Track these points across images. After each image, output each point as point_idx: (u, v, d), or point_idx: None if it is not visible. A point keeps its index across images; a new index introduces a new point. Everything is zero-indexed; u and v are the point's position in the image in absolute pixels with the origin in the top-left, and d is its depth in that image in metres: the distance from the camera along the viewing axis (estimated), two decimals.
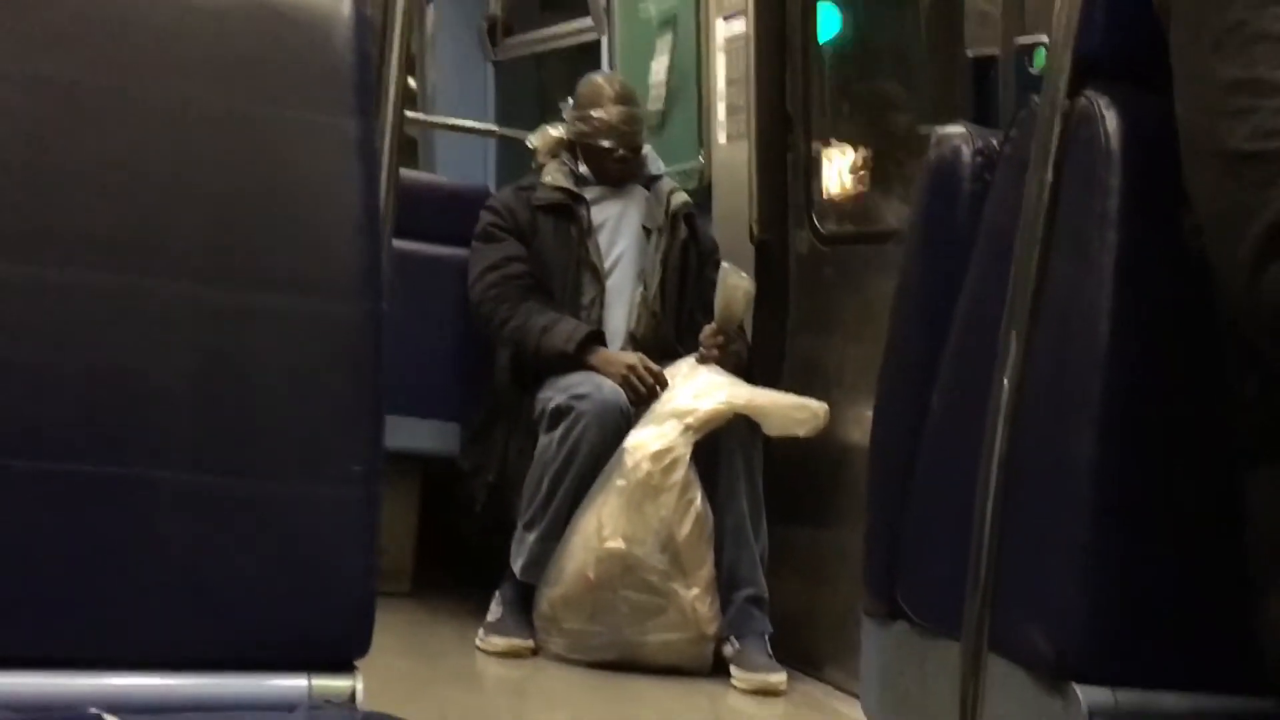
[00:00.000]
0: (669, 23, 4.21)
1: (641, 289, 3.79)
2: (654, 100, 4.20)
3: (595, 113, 3.80)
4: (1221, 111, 1.09)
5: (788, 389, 3.57)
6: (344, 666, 1.13)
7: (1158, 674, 1.27)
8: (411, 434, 3.78)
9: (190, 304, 1.11)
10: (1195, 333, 1.25)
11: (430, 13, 5.57)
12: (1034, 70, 2.56)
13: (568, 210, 3.79)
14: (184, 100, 1.13)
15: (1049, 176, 1.32)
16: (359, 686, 1.11)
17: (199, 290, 1.11)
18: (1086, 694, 1.25)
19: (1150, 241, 1.28)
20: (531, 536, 3.50)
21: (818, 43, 3.78)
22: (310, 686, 1.11)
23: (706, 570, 3.41)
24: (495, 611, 3.57)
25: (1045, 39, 2.38)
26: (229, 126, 1.14)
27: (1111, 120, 1.30)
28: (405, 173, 3.99)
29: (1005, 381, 1.32)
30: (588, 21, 4.78)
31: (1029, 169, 1.34)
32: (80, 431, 1.09)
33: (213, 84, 1.14)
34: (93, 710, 1.02)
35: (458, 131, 5.39)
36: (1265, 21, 1.08)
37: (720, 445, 3.44)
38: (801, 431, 3.42)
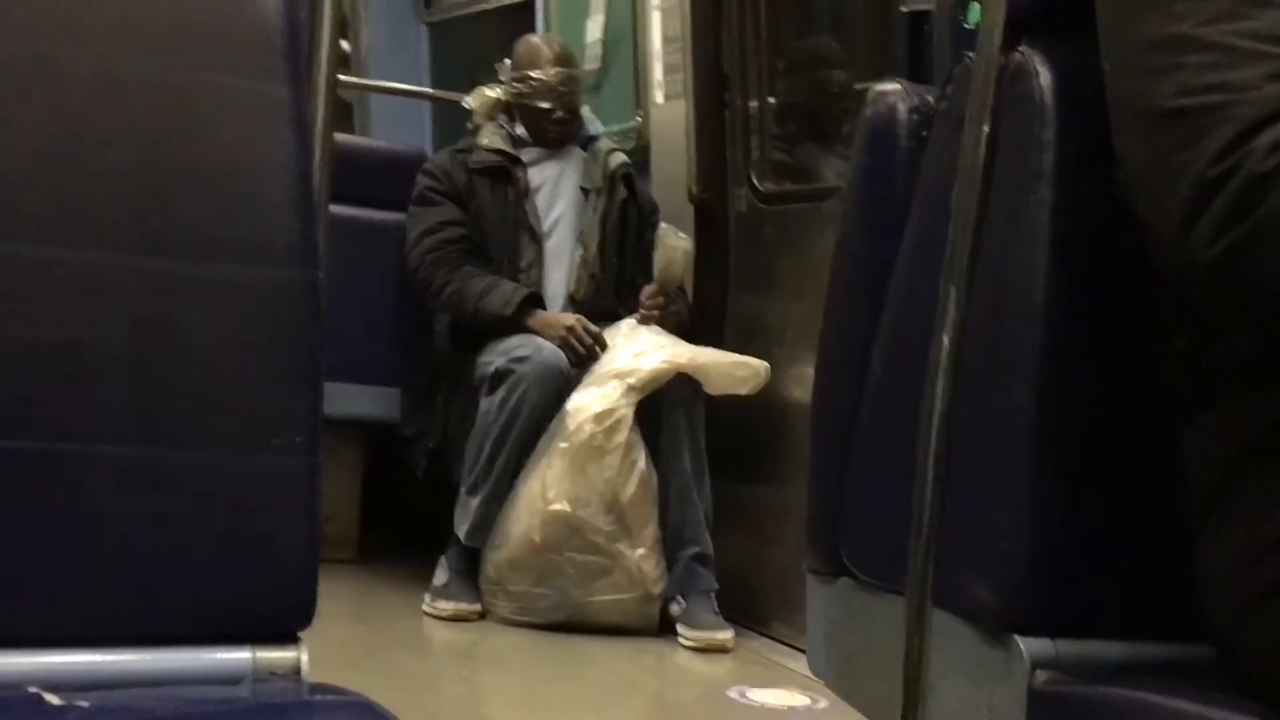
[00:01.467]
0: None
1: (581, 251, 3.78)
2: (590, 60, 4.18)
3: (534, 74, 3.78)
4: (1146, 69, 1.10)
5: (729, 348, 3.58)
6: (289, 638, 1.12)
7: (1098, 624, 1.29)
8: (353, 401, 3.77)
9: (122, 275, 1.09)
10: (1131, 286, 1.26)
11: None
12: (968, 25, 2.57)
13: (505, 173, 3.77)
14: (108, 68, 1.11)
15: (985, 132, 1.32)
16: (304, 657, 1.11)
17: (130, 260, 1.09)
18: (1029, 645, 1.26)
19: (1085, 196, 1.28)
20: (475, 501, 3.49)
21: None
22: (255, 659, 1.10)
23: (651, 530, 3.42)
24: (441, 576, 3.57)
25: None
26: (155, 94, 1.12)
27: (1046, 76, 1.30)
28: (340, 137, 3.95)
29: (945, 337, 1.33)
30: None
31: (965, 125, 1.34)
32: (11, 407, 1.07)
33: (137, 51, 1.12)
34: (32, 690, 1.00)
35: (392, 95, 5.34)
36: None
37: (663, 405, 3.45)
38: (743, 389, 3.43)
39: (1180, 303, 1.20)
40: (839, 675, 1.62)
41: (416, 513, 3.99)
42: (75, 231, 1.09)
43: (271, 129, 1.14)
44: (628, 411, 3.38)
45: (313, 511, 1.14)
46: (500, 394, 3.46)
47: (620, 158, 3.85)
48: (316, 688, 1.07)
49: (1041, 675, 1.25)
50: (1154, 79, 1.09)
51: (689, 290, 3.75)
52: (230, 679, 1.09)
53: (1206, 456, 1.20)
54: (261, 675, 1.09)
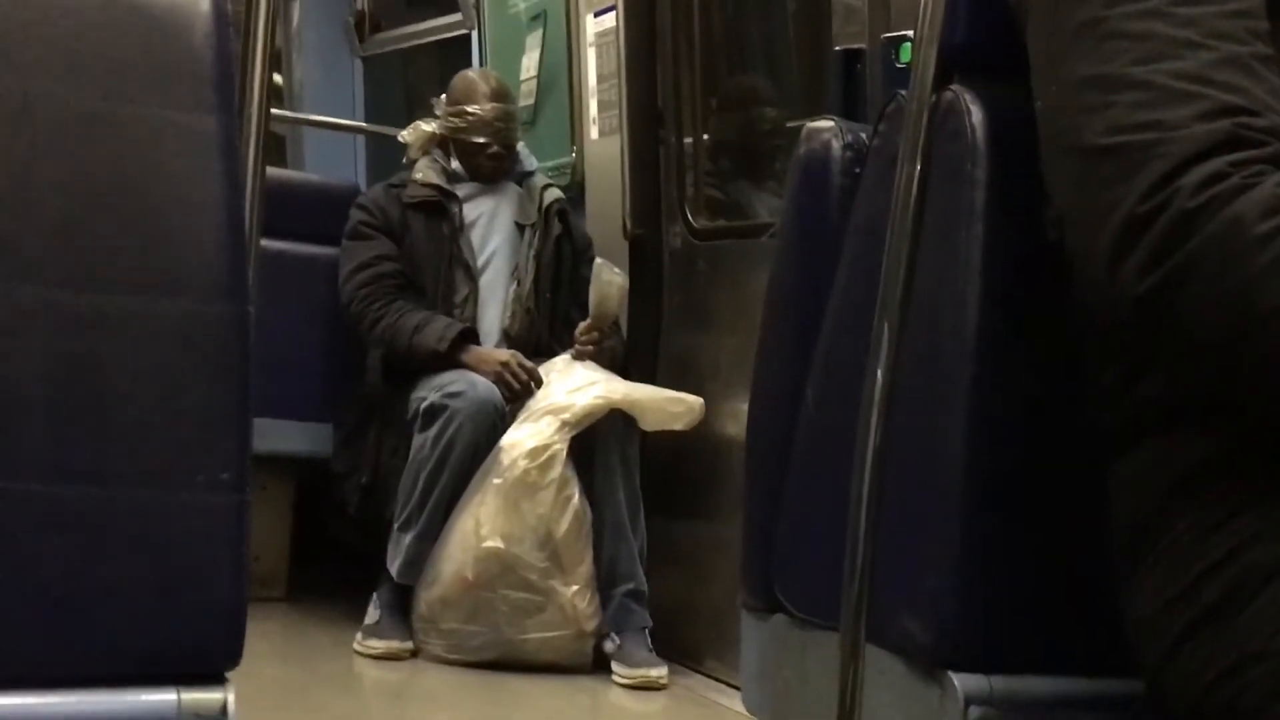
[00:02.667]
0: (539, 18, 4.20)
1: (515, 286, 3.77)
2: (525, 96, 4.18)
3: (470, 108, 3.77)
4: (1077, 107, 1.11)
5: (663, 384, 3.58)
6: (215, 679, 1.10)
7: (1030, 659, 1.30)
8: (284, 436, 3.73)
9: (43, 308, 1.07)
10: (1062, 322, 1.27)
11: (295, 8, 5.48)
12: (900, 65, 2.59)
13: (439, 207, 3.76)
14: (32, 97, 1.09)
15: (917, 170, 1.33)
16: (230, 699, 1.08)
17: (52, 294, 1.07)
18: (962, 681, 1.27)
19: (1016, 233, 1.29)
20: (408, 537, 3.46)
21: (689, 37, 3.79)
22: (180, 701, 1.07)
23: (585, 567, 3.40)
24: (373, 614, 3.53)
25: (911, 34, 2.41)
26: (81, 124, 1.10)
27: (977, 114, 1.31)
28: (273, 171, 3.93)
29: (878, 373, 1.33)
30: (457, 17, 4.75)
31: (898, 163, 1.35)
32: None
33: (63, 81, 1.10)
34: None
35: (326, 128, 5.31)
36: (1119, 19, 1.10)
37: (597, 441, 3.44)
38: (678, 425, 3.43)
39: (1108, 339, 1.21)
40: (773, 712, 1.61)
41: (348, 550, 3.95)
42: None
43: (201, 162, 1.12)
44: (562, 447, 3.36)
45: (240, 550, 1.12)
46: (434, 430, 3.44)
47: (555, 193, 3.85)
48: None
49: (975, 711, 1.25)
50: (1085, 116, 1.10)
51: (622, 326, 3.75)
52: None
53: (1132, 493, 1.21)
54: (187, 717, 1.07)
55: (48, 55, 1.11)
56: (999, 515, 1.31)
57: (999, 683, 1.27)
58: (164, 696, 1.08)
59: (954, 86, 1.34)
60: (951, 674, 1.27)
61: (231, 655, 1.11)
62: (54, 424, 1.07)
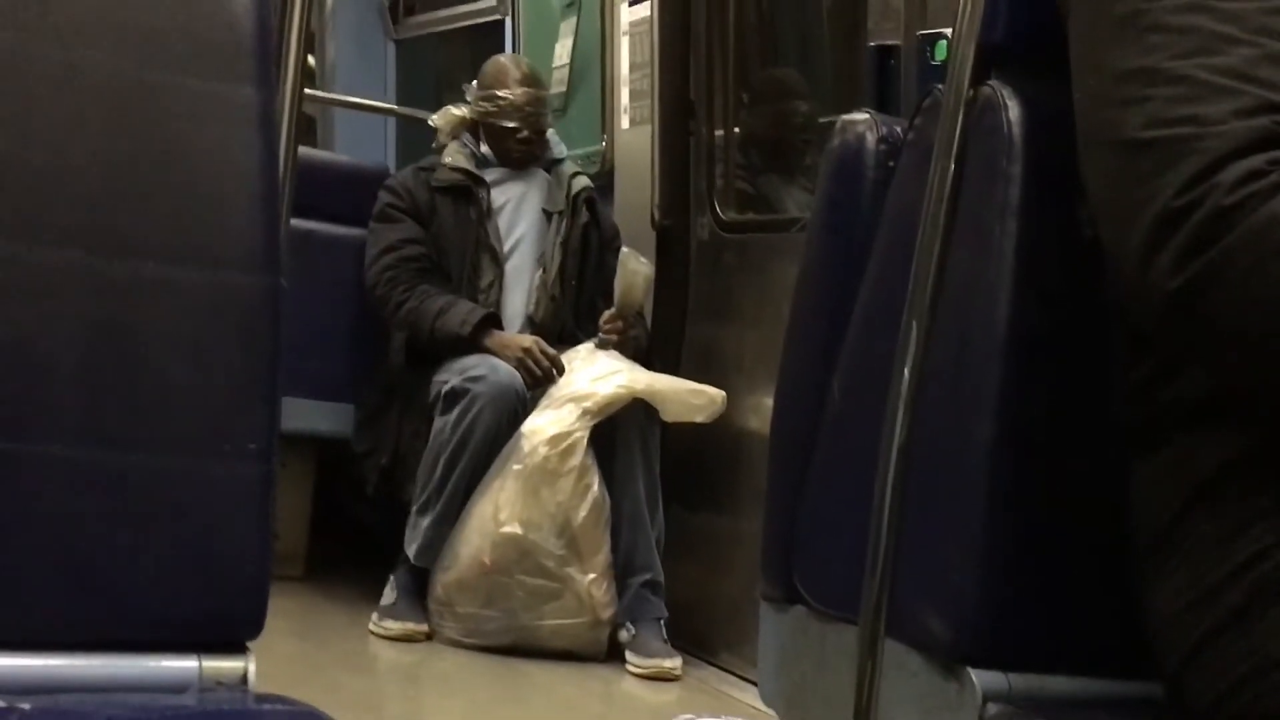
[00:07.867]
0: (573, 5, 4.20)
1: (541, 273, 3.77)
2: (556, 83, 4.19)
3: (500, 93, 3.78)
4: (1116, 100, 1.11)
5: (686, 375, 3.58)
6: (236, 647, 1.10)
7: (1050, 658, 1.29)
8: (305, 415, 3.74)
9: (79, 274, 1.07)
10: (1092, 321, 1.27)
11: None
12: (934, 62, 2.58)
13: (467, 192, 3.76)
14: (74, 64, 1.09)
15: (952, 165, 1.32)
16: (251, 668, 1.09)
17: (88, 260, 1.08)
18: (981, 678, 1.26)
19: (1050, 230, 1.29)
20: (426, 521, 3.47)
21: (723, 29, 3.79)
22: (201, 668, 1.08)
23: (603, 555, 3.41)
24: (389, 596, 3.54)
25: (947, 31, 2.40)
26: (122, 92, 1.10)
27: (1014, 109, 1.31)
28: (304, 150, 3.93)
29: (905, 370, 1.33)
30: (491, 2, 4.75)
31: (932, 157, 1.35)
32: None
33: (104, 49, 1.10)
34: None
35: (357, 110, 5.32)
36: (1161, 12, 1.10)
37: (618, 430, 3.44)
38: (699, 417, 3.43)
39: (1139, 336, 1.20)
40: (789, 703, 1.61)
41: (366, 531, 3.96)
42: (32, 229, 1.07)
43: (239, 133, 1.13)
44: (583, 435, 3.37)
45: (265, 520, 1.12)
46: (454, 413, 3.45)
47: (584, 181, 3.85)
48: (263, 697, 1.06)
49: (993, 708, 1.25)
50: (1124, 110, 1.09)
51: (647, 316, 3.75)
52: (176, 687, 1.07)
53: (1156, 493, 1.20)
54: (208, 684, 1.07)
55: (89, 24, 1.11)
56: (1023, 513, 1.30)
57: (1018, 680, 1.27)
58: (185, 663, 1.08)
59: (992, 81, 1.33)
60: (970, 670, 1.27)
61: (253, 624, 1.11)
62: (86, 389, 1.07)
